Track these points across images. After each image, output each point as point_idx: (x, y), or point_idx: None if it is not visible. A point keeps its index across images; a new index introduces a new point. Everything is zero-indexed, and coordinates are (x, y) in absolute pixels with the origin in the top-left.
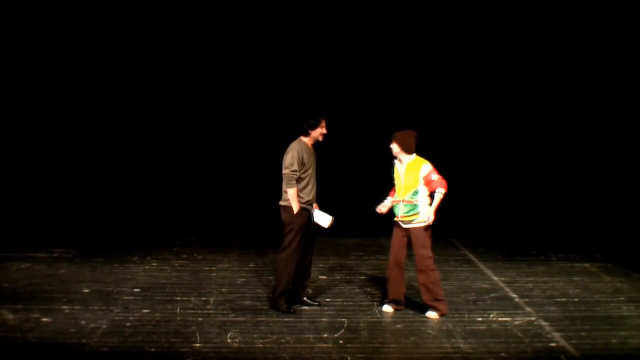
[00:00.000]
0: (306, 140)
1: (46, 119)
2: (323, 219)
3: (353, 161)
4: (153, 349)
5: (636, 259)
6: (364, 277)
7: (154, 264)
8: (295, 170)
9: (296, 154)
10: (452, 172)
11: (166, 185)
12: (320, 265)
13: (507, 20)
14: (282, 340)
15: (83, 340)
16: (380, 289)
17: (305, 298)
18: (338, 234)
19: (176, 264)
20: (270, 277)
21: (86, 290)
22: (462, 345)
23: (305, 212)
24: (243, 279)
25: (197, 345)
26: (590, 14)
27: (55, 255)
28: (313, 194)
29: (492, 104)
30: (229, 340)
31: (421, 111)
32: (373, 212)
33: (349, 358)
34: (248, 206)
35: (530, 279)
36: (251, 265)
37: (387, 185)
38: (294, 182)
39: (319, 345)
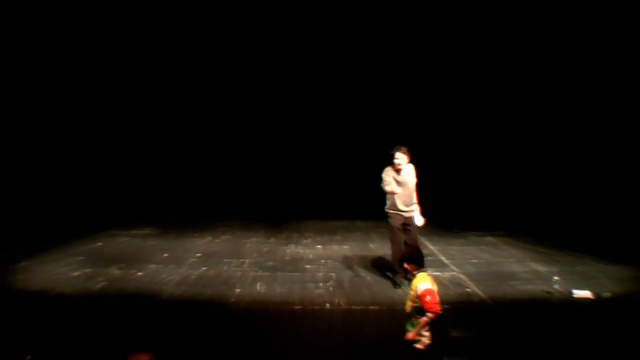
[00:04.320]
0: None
1: (118, 117)
2: (418, 219)
3: (344, 163)
4: (209, 293)
5: (524, 234)
6: (347, 247)
7: (209, 237)
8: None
9: (383, 173)
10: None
11: (216, 182)
12: (318, 239)
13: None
14: (292, 288)
15: (163, 288)
16: (358, 254)
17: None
18: (328, 218)
19: (224, 237)
20: (284, 247)
21: (165, 255)
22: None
23: (397, 215)
24: (267, 248)
25: (237, 291)
26: None
27: (146, 232)
28: (391, 203)
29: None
30: (258, 288)
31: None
32: (355, 202)
33: (336, 300)
34: (272, 197)
35: (454, 247)
36: (272, 239)
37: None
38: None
39: (317, 291)
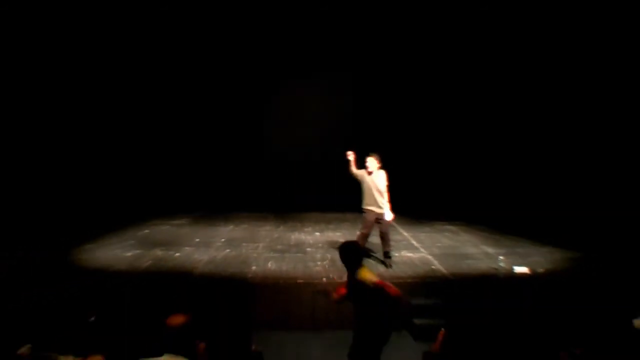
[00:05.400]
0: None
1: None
2: (387, 215)
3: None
4: (231, 271)
5: (479, 223)
6: (339, 233)
7: (231, 226)
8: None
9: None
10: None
11: (237, 182)
12: (316, 228)
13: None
14: (297, 266)
15: (195, 266)
16: (348, 240)
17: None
18: (322, 210)
19: (242, 226)
20: (289, 234)
21: (197, 240)
22: (388, 268)
23: (370, 212)
24: (277, 235)
25: (254, 268)
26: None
27: (182, 221)
28: (366, 202)
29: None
30: (269, 266)
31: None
32: (344, 199)
33: (330, 275)
34: (280, 194)
35: (423, 234)
36: (280, 227)
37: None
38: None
39: (315, 268)
